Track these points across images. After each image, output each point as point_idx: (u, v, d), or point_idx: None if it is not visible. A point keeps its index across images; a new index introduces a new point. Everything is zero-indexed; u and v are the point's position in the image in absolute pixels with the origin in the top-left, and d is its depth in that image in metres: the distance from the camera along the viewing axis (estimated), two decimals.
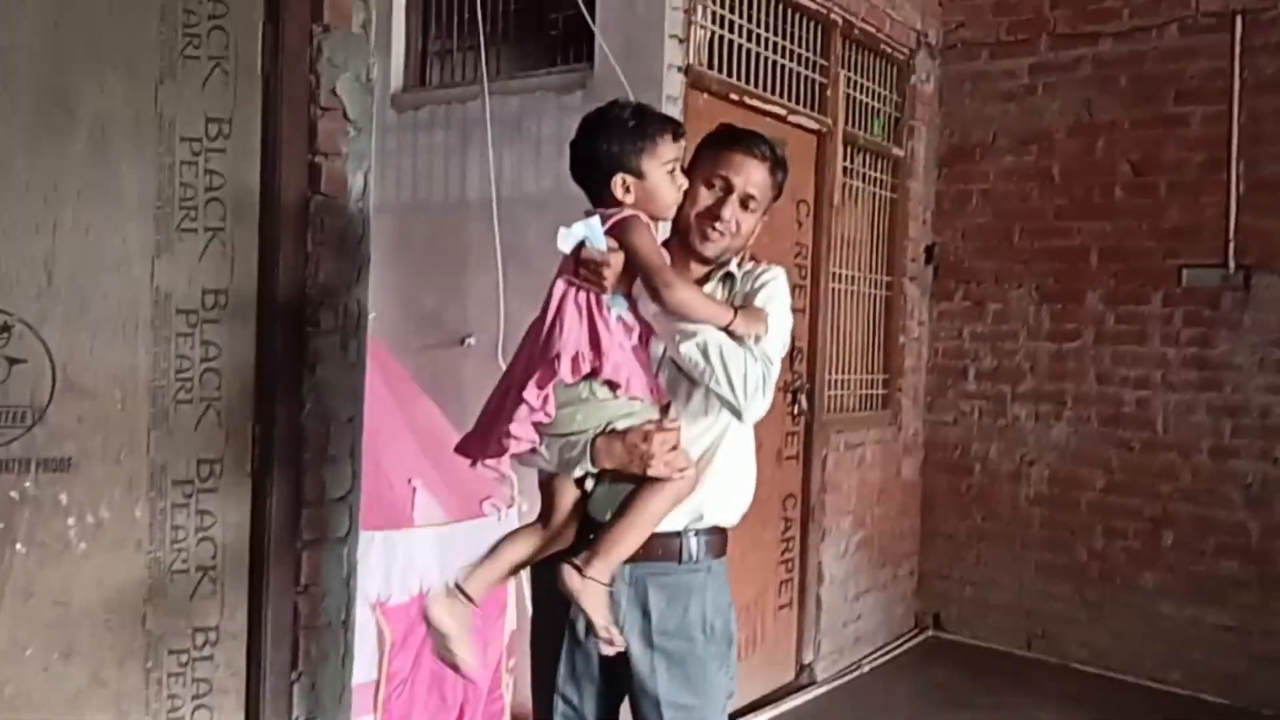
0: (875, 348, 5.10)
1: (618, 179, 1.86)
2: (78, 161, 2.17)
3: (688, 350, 1.87)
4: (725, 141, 2.05)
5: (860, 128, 4.84)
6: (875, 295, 5.09)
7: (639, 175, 1.87)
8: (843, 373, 4.81)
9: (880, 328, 5.14)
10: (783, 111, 4.25)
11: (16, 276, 2.12)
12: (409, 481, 3.17)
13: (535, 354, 1.83)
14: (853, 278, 4.87)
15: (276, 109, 2.35)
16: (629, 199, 1.86)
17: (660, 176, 1.88)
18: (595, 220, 1.83)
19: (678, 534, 1.99)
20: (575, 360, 1.79)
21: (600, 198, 1.90)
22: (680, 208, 1.99)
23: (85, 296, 2.19)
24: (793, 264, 4.43)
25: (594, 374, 1.82)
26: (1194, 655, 4.66)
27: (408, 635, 3.05)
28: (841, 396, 4.83)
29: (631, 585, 1.98)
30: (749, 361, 1.89)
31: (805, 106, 4.41)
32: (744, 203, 2.01)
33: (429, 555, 3.11)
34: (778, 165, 2.05)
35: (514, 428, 1.82)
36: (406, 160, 4.33)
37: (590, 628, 1.86)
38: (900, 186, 5.19)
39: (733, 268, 2.08)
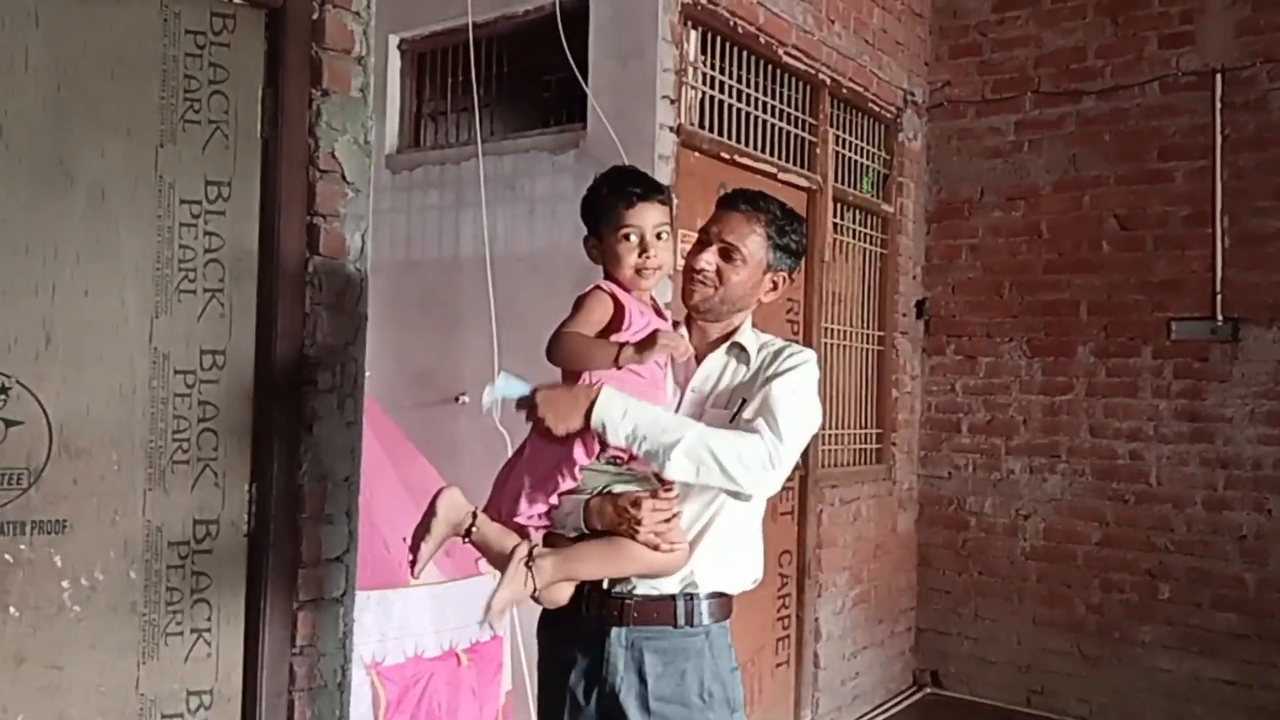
0: (868, 402, 5.12)
1: (587, 240, 2.02)
2: (77, 223, 2.19)
3: (678, 469, 1.84)
4: (720, 201, 2.13)
5: (850, 185, 4.90)
6: (867, 350, 5.12)
7: (599, 238, 1.99)
8: (836, 428, 4.83)
9: (873, 382, 5.16)
10: (773, 170, 4.30)
11: (15, 338, 2.12)
12: (404, 540, 3.15)
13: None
14: (845, 333, 4.90)
15: (275, 171, 2.37)
16: (597, 257, 2.00)
17: (614, 241, 1.96)
18: (501, 377, 1.90)
19: (672, 597, 1.97)
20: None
21: None
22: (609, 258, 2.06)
23: (83, 358, 2.19)
24: (784, 319, 4.45)
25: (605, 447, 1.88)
26: (1194, 710, 4.63)
27: (402, 697, 3.01)
28: (835, 451, 4.83)
29: (628, 649, 1.96)
30: (740, 441, 1.86)
31: (795, 164, 4.48)
32: (725, 254, 2.03)
33: (425, 614, 3.09)
34: (772, 220, 2.05)
35: (558, 495, 1.90)
36: (401, 220, 4.37)
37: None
38: (890, 242, 5.24)
39: (744, 339, 2.07)
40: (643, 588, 1.96)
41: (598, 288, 1.96)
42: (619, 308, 1.93)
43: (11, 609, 2.15)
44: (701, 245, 2.06)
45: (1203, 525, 4.70)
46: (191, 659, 2.31)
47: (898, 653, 5.32)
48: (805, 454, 4.50)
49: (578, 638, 2.00)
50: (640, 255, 1.95)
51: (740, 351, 2.06)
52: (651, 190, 1.98)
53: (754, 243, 2.03)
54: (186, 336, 2.30)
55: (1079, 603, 4.98)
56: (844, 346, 4.90)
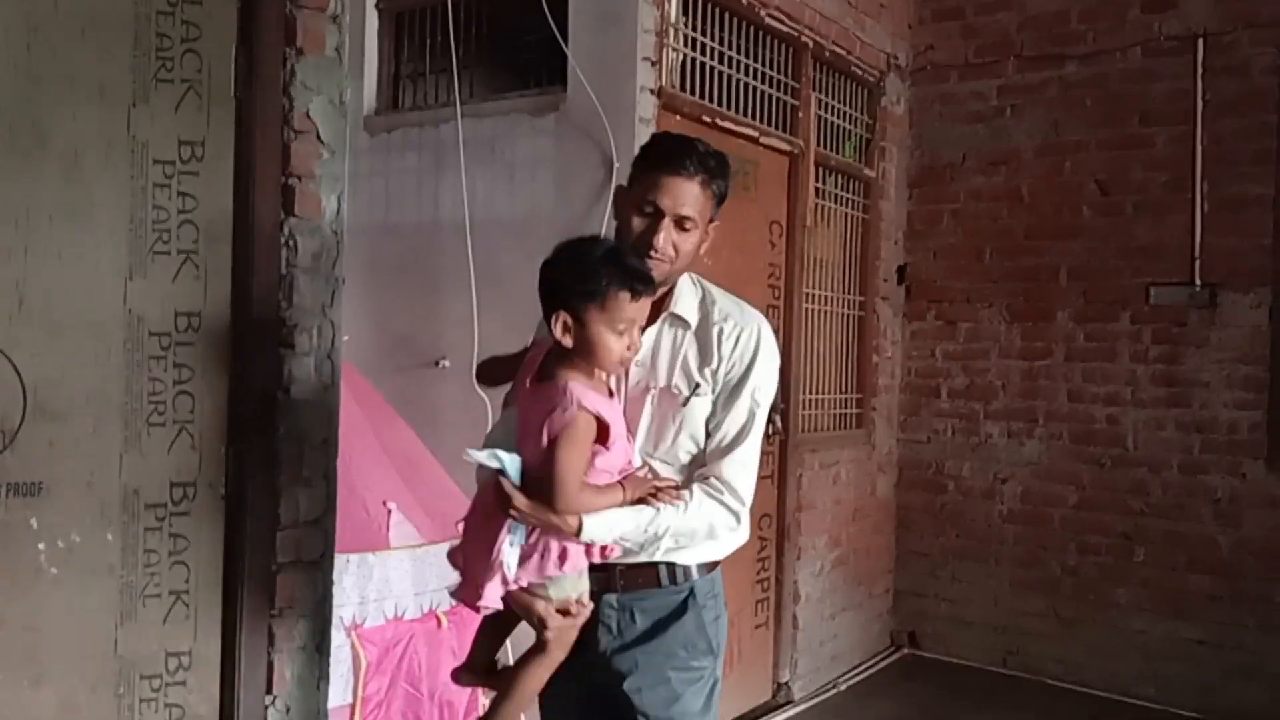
0: (849, 368, 5.14)
1: (560, 316, 1.78)
2: (50, 186, 2.16)
3: (664, 550, 1.94)
4: (654, 161, 1.96)
5: (832, 149, 4.89)
6: (848, 315, 5.13)
7: (580, 322, 1.78)
8: (816, 392, 4.85)
9: (853, 347, 5.18)
10: (755, 133, 4.29)
11: None
12: (384, 504, 3.16)
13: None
14: (825, 298, 4.91)
15: (250, 132, 2.35)
16: (565, 340, 1.79)
17: (600, 329, 1.78)
18: (512, 457, 1.81)
19: (655, 564, 2.00)
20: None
21: (546, 324, 1.84)
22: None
23: (57, 320, 2.17)
24: (766, 284, 4.46)
25: None
26: (1168, 669, 4.70)
27: (383, 658, 3.03)
28: (815, 416, 4.86)
29: (619, 610, 2.01)
30: (710, 514, 1.92)
31: (777, 128, 4.46)
32: (679, 224, 1.93)
33: (405, 577, 3.10)
34: (713, 176, 1.95)
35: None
36: (379, 183, 4.34)
37: None
38: (872, 207, 5.24)
39: (682, 307, 2.00)
40: (628, 557, 1.97)
41: (583, 409, 1.76)
42: (602, 427, 1.80)
43: None
44: (650, 218, 1.92)
45: (1178, 489, 4.75)
46: (170, 620, 2.32)
47: (876, 614, 5.38)
48: (785, 419, 4.53)
49: None
50: (628, 349, 1.83)
51: (679, 321, 2.01)
52: (651, 284, 1.84)
53: (704, 205, 1.96)
54: (161, 298, 2.28)
55: (1055, 565, 5.04)
56: (825, 312, 4.91)
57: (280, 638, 2.43)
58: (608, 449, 1.81)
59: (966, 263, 5.31)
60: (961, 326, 5.33)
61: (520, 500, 1.79)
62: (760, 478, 4.41)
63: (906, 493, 5.49)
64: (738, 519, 1.96)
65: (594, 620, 1.98)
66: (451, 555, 2.04)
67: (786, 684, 4.63)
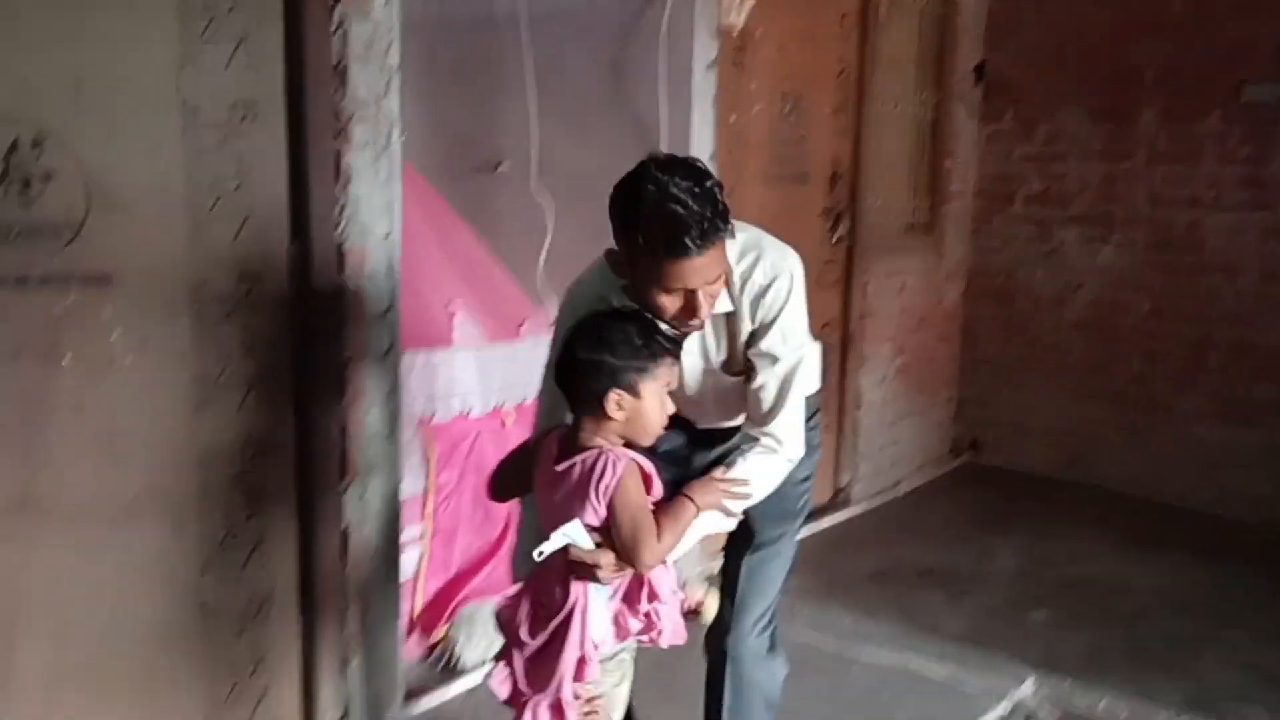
0: (920, 171, 4.98)
1: (613, 395, 1.75)
2: None
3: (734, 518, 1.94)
4: (658, 250, 1.73)
5: None
6: (921, 117, 4.93)
7: (635, 395, 1.76)
8: (885, 198, 4.71)
9: (926, 151, 4.99)
10: None
11: (44, 89, 2.08)
12: (447, 304, 3.18)
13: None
14: (898, 98, 4.71)
15: None
16: (619, 416, 1.76)
17: (653, 399, 1.78)
18: (574, 525, 1.73)
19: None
20: None
21: (580, 405, 1.80)
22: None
23: (114, 109, 2.15)
24: (834, 82, 4.28)
25: None
26: (1230, 479, 4.67)
27: (451, 452, 3.11)
28: (884, 222, 4.73)
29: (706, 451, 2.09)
30: (768, 468, 1.93)
31: None
32: (710, 285, 1.79)
33: (470, 375, 3.15)
34: (718, 229, 1.73)
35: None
36: None
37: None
38: (950, 1, 4.95)
39: (726, 304, 1.91)
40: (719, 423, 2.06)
41: (632, 460, 1.75)
42: (645, 474, 1.78)
43: (64, 361, 2.21)
44: (679, 294, 1.77)
45: (1253, 297, 4.61)
46: (244, 407, 2.37)
47: (937, 422, 5.39)
48: (852, 223, 4.43)
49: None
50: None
51: (718, 316, 1.94)
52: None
53: (721, 253, 1.78)
54: (215, 86, 2.24)
55: (1123, 373, 4.97)
56: (896, 113, 4.71)
57: (352, 427, 2.48)
58: (650, 496, 1.79)
59: (1048, 61, 5.03)
60: (1040, 128, 5.09)
61: (607, 559, 1.74)
62: (825, 285, 4.39)
63: (974, 302, 5.39)
64: (790, 460, 1.96)
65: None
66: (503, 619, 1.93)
67: (845, 488, 4.69)
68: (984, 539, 4.34)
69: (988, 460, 5.39)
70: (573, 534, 1.72)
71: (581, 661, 1.76)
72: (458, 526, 3.16)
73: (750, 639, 2.09)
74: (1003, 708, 2.99)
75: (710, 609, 3.38)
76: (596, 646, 1.78)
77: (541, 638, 1.79)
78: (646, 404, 1.77)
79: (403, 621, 2.78)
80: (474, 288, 3.32)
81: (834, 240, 4.42)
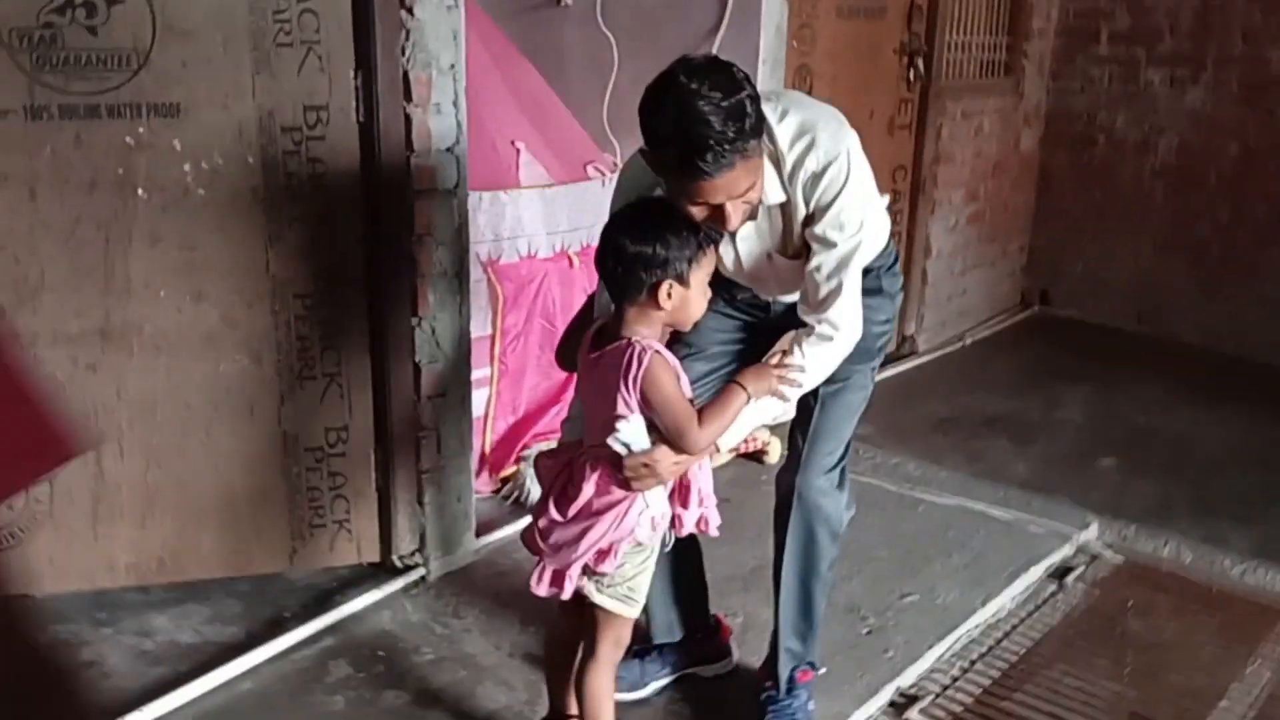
0: (1000, 7, 4.73)
1: (666, 285, 1.71)
2: None
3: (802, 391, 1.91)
4: (677, 170, 1.66)
5: None
6: None
7: (685, 284, 1.73)
8: (964, 34, 4.50)
9: None
10: None
11: None
12: (512, 143, 3.13)
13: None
14: None
15: None
16: (668, 305, 1.73)
17: (699, 287, 1.76)
18: (635, 420, 1.73)
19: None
20: None
21: (627, 294, 1.75)
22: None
23: None
24: None
25: None
26: None
27: (519, 294, 3.11)
28: (961, 61, 4.54)
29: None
30: (826, 354, 1.88)
31: None
32: (740, 197, 1.70)
33: (536, 216, 3.12)
34: (745, 140, 1.62)
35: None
36: None
37: None
38: None
39: (770, 198, 1.81)
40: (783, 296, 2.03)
41: (657, 353, 1.72)
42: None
43: (140, 190, 2.22)
44: (709, 207, 1.70)
45: None
46: (316, 242, 2.38)
47: (1008, 272, 5.28)
48: (928, 62, 4.26)
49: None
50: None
51: (771, 206, 1.86)
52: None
53: (753, 165, 1.68)
54: None
55: (1205, 226, 4.79)
56: None
57: (421, 263, 2.48)
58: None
59: None
60: None
61: (664, 453, 1.74)
62: (898, 127, 4.26)
63: (1052, 147, 5.19)
64: (849, 344, 1.92)
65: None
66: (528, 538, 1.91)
67: (912, 336, 4.65)
68: (1052, 388, 4.29)
69: (1058, 312, 5.28)
70: (629, 435, 1.74)
71: (601, 554, 1.79)
72: (525, 368, 3.18)
73: (820, 477, 2.10)
74: (1067, 549, 2.99)
75: (774, 451, 3.40)
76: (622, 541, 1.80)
77: (565, 518, 1.81)
78: (693, 292, 1.76)
79: (474, 458, 2.83)
80: (539, 127, 3.26)
81: (909, 79, 4.25)
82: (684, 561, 2.25)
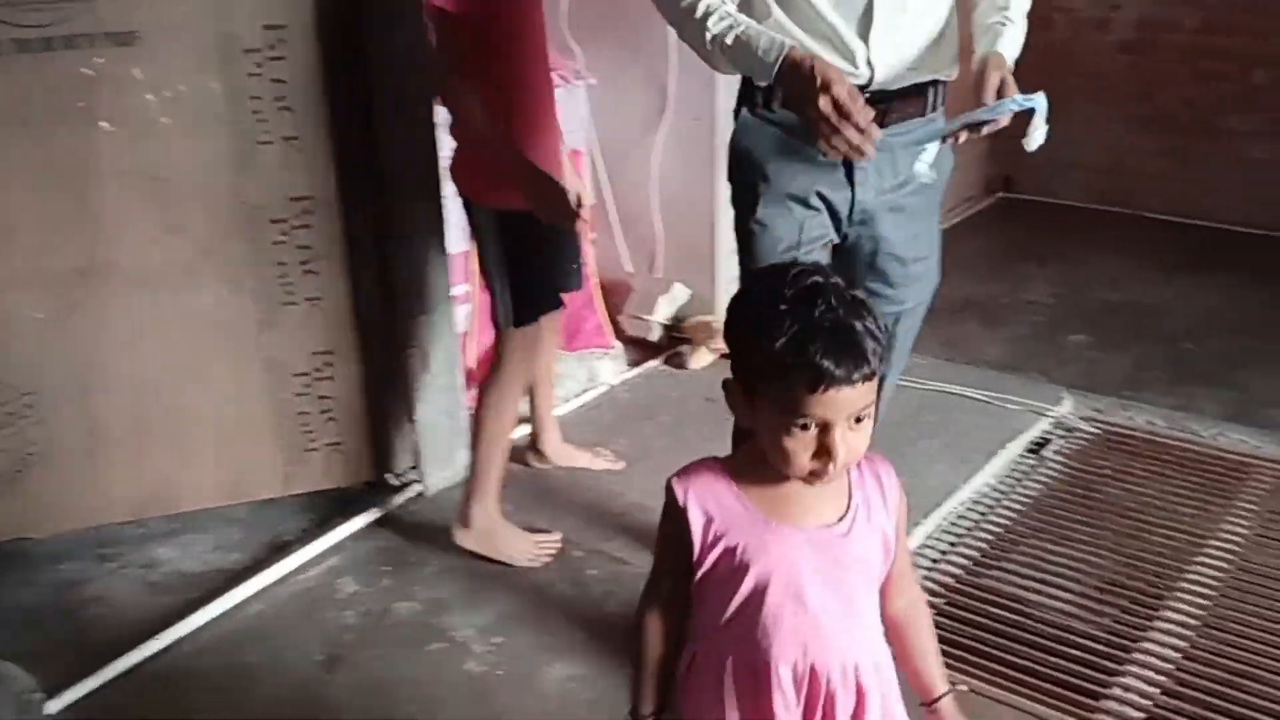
0: None
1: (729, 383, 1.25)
2: None
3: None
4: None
5: None
6: None
7: (747, 389, 1.23)
8: None
9: None
10: None
11: None
12: None
13: None
14: None
15: None
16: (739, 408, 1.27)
17: (776, 424, 1.21)
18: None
19: (924, 86, 1.94)
20: None
21: None
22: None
23: None
24: None
25: None
26: None
27: None
28: None
29: (881, 150, 1.76)
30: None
31: None
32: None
33: None
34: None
35: None
36: None
37: None
38: None
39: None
40: (902, 80, 1.87)
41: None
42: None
43: (104, 123, 2.19)
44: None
45: None
46: (287, 165, 2.36)
47: (968, 161, 5.28)
48: None
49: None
50: (819, 457, 1.18)
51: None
52: (861, 362, 1.14)
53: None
54: None
55: (1170, 97, 4.79)
56: None
57: (394, 180, 2.46)
58: None
59: None
60: None
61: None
62: None
63: None
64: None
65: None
66: None
67: None
68: (1021, 270, 4.35)
69: (1024, 196, 5.30)
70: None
71: None
72: None
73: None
74: (1043, 424, 3.07)
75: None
76: None
77: None
78: (764, 418, 1.20)
79: (461, 374, 2.85)
80: None
81: None
82: None
